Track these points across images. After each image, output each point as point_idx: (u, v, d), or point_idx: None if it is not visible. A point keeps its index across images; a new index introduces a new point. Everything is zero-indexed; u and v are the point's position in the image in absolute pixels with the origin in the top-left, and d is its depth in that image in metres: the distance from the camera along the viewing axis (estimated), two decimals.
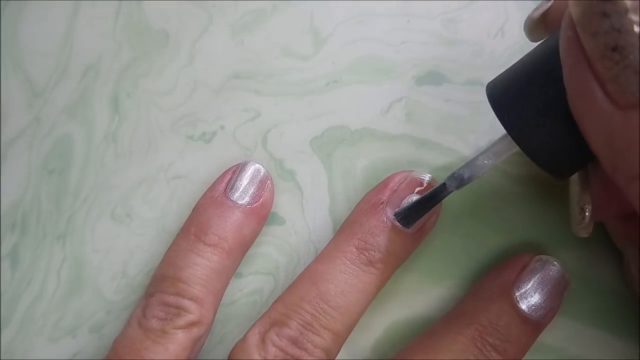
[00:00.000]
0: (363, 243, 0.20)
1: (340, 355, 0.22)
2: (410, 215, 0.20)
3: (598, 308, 0.21)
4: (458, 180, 0.19)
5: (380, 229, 0.20)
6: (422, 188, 0.20)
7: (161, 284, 0.21)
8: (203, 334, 0.21)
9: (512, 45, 0.23)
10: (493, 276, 0.20)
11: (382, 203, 0.20)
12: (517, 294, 0.19)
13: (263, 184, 0.22)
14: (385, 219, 0.20)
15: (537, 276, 0.20)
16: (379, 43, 0.24)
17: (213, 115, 0.25)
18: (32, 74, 0.26)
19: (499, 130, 0.23)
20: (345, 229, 0.21)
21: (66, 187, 0.25)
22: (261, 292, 0.23)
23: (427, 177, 0.21)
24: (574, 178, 0.18)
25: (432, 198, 0.19)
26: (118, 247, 0.24)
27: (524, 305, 0.19)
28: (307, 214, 0.23)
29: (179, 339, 0.20)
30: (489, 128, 0.23)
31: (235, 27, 0.25)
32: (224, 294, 0.23)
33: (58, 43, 0.26)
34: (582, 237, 0.18)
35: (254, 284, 0.23)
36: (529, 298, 0.19)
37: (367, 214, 0.20)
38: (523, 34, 0.23)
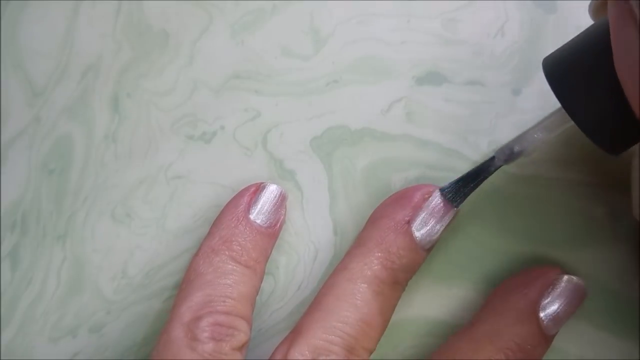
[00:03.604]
0: (391, 263, 0.20)
1: None
2: (458, 193, 0.20)
3: (598, 308, 0.21)
4: (507, 153, 0.18)
5: (407, 251, 0.20)
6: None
7: (211, 305, 0.20)
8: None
9: (512, 45, 0.23)
10: (517, 293, 0.20)
11: (407, 222, 0.20)
12: (543, 315, 0.19)
13: (282, 206, 0.23)
14: (412, 240, 0.20)
15: (562, 297, 0.19)
16: (379, 43, 0.24)
17: (213, 115, 0.25)
18: (32, 74, 0.26)
19: (499, 130, 0.23)
20: (371, 246, 0.20)
21: (66, 187, 0.25)
22: (261, 292, 0.23)
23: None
24: (636, 163, 0.18)
25: (479, 173, 0.19)
26: (118, 247, 0.24)
27: (548, 325, 0.19)
28: (307, 214, 0.23)
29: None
30: (489, 128, 0.23)
31: (235, 27, 0.25)
32: None
33: (58, 43, 0.26)
34: None
35: None
36: (554, 318, 0.19)
37: (394, 232, 0.20)
38: (523, 34, 0.23)
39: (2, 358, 0.24)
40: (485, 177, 0.19)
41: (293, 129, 0.24)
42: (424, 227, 0.20)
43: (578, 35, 0.18)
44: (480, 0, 0.24)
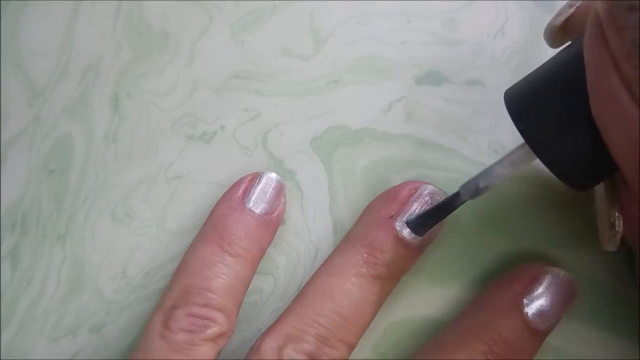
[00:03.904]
0: (372, 258, 0.20)
1: None
2: (422, 225, 0.20)
3: (598, 308, 0.21)
4: (472, 190, 0.18)
5: (389, 245, 0.20)
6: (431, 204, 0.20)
7: (187, 296, 0.20)
8: (227, 341, 0.20)
9: (512, 45, 0.23)
10: (502, 287, 0.20)
11: (391, 217, 0.20)
12: (528, 307, 0.19)
13: (280, 194, 0.22)
14: (394, 235, 0.20)
15: (547, 289, 0.19)
16: (379, 43, 0.24)
17: (213, 115, 0.25)
18: (32, 74, 0.26)
19: (499, 130, 0.23)
20: (354, 241, 0.21)
21: (66, 187, 0.25)
22: (261, 292, 0.23)
23: (437, 193, 0.20)
24: (600, 192, 0.18)
25: (444, 207, 0.19)
26: (118, 247, 0.24)
27: (534, 319, 0.19)
28: (307, 213, 0.23)
29: (206, 352, 0.19)
30: (489, 128, 0.23)
31: (235, 27, 0.25)
32: None
33: (58, 43, 0.26)
34: (610, 250, 0.17)
35: (254, 284, 0.23)
36: (540, 311, 0.19)
37: (376, 227, 0.20)
38: (523, 34, 0.23)
39: (2, 358, 0.24)
40: (450, 212, 0.19)
41: (293, 129, 0.24)
42: (405, 220, 0.20)
43: (544, 66, 0.17)
44: (480, 0, 0.24)
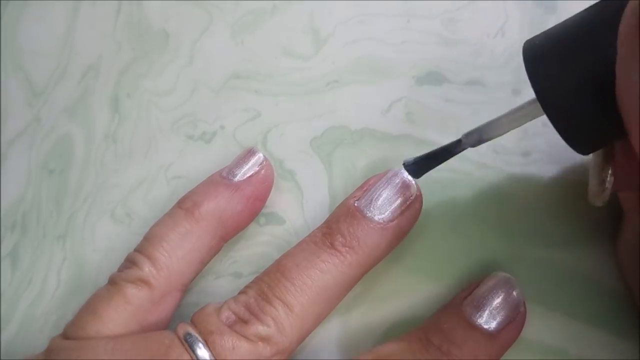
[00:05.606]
0: (328, 229, 0.20)
1: (340, 356, 0.22)
2: (420, 167, 0.20)
3: (598, 308, 0.21)
4: (475, 139, 0.18)
5: (344, 217, 0.20)
6: (397, 182, 0.21)
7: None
8: (156, 297, 0.20)
9: (512, 45, 0.23)
10: (457, 294, 0.21)
11: (353, 197, 0.21)
12: (467, 303, 0.20)
13: (256, 170, 0.22)
14: (351, 209, 0.20)
15: (486, 289, 0.20)
16: (379, 43, 0.24)
17: (213, 115, 0.25)
18: (32, 74, 0.26)
19: None
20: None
21: (66, 187, 0.25)
22: None
23: (402, 173, 0.21)
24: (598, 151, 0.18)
25: (445, 152, 0.19)
26: (118, 247, 0.24)
27: (472, 314, 0.19)
28: (307, 214, 0.23)
29: (125, 292, 0.20)
30: None
31: (235, 27, 0.25)
32: (221, 291, 0.23)
33: (58, 43, 0.26)
34: (596, 205, 0.17)
35: None
36: (479, 308, 0.19)
37: (338, 207, 0.21)
38: (523, 34, 0.23)
39: (2, 357, 0.24)
40: (448, 158, 0.19)
41: (293, 129, 0.24)
42: (363, 198, 0.20)
43: (566, 24, 0.16)
44: (480, 0, 0.24)
